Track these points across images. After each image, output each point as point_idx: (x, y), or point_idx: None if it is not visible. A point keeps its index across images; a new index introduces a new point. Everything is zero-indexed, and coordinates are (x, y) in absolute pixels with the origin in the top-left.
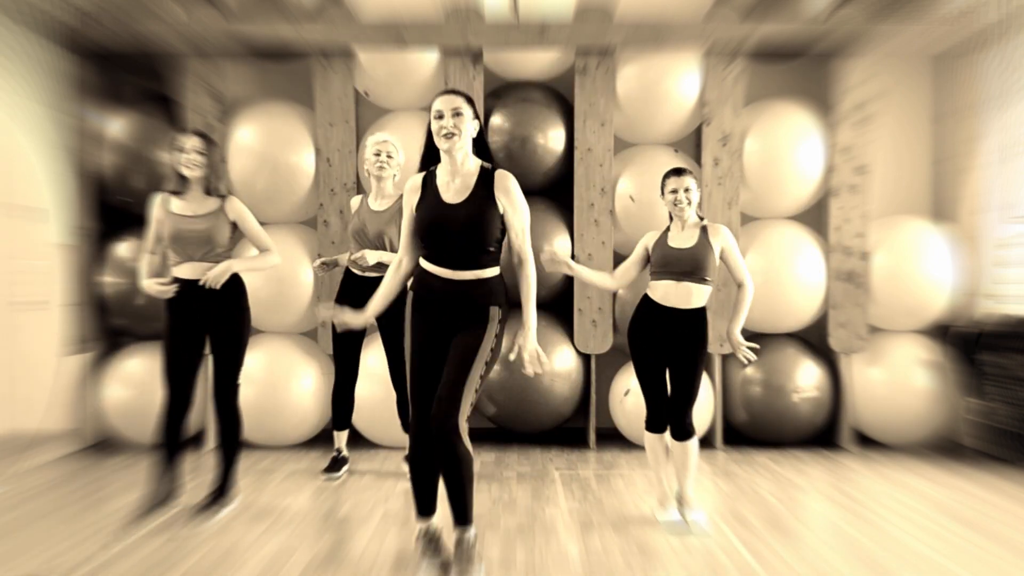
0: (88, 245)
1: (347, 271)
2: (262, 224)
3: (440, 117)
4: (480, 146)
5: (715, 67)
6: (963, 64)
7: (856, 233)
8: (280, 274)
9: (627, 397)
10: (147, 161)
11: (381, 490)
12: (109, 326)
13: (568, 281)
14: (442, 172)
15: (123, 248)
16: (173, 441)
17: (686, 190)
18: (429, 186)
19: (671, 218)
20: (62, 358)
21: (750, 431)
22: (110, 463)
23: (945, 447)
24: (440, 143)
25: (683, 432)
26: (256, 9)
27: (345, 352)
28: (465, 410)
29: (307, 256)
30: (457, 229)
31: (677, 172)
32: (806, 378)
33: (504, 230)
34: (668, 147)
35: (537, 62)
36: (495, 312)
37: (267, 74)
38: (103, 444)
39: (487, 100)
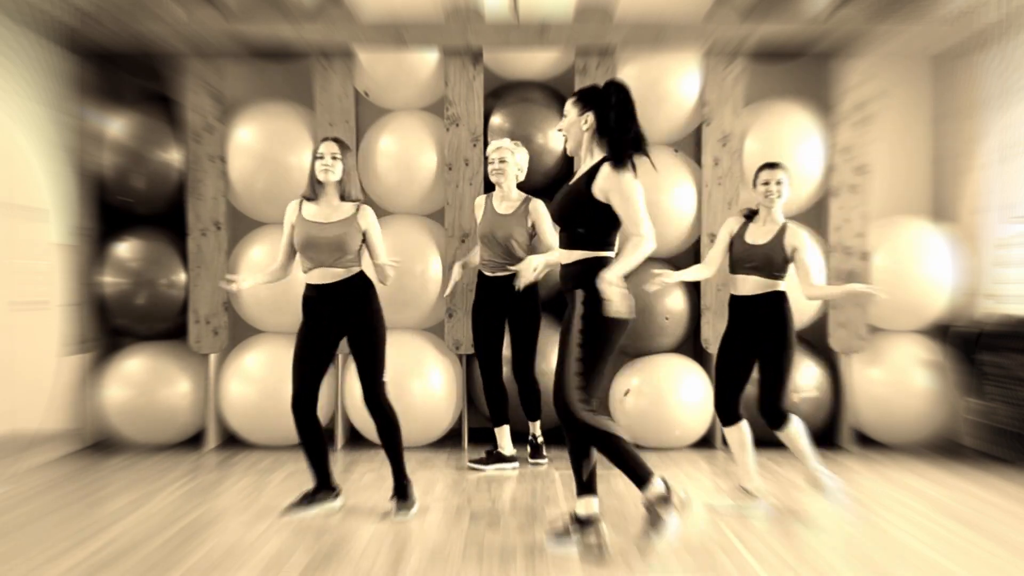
0: (88, 245)
1: (479, 273)
2: (262, 224)
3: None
4: None
5: (715, 67)
6: (963, 64)
7: (856, 233)
8: None
9: (627, 397)
10: (147, 161)
11: (381, 490)
12: (109, 326)
13: None
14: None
15: (123, 248)
16: (312, 436)
17: (778, 183)
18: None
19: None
20: (62, 358)
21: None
22: (110, 463)
23: (945, 447)
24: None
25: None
26: (256, 9)
27: (489, 349)
28: (573, 394)
29: None
30: None
31: (771, 165)
32: (806, 378)
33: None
34: (668, 147)
35: (537, 62)
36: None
37: (267, 74)
38: (103, 444)
39: (487, 100)
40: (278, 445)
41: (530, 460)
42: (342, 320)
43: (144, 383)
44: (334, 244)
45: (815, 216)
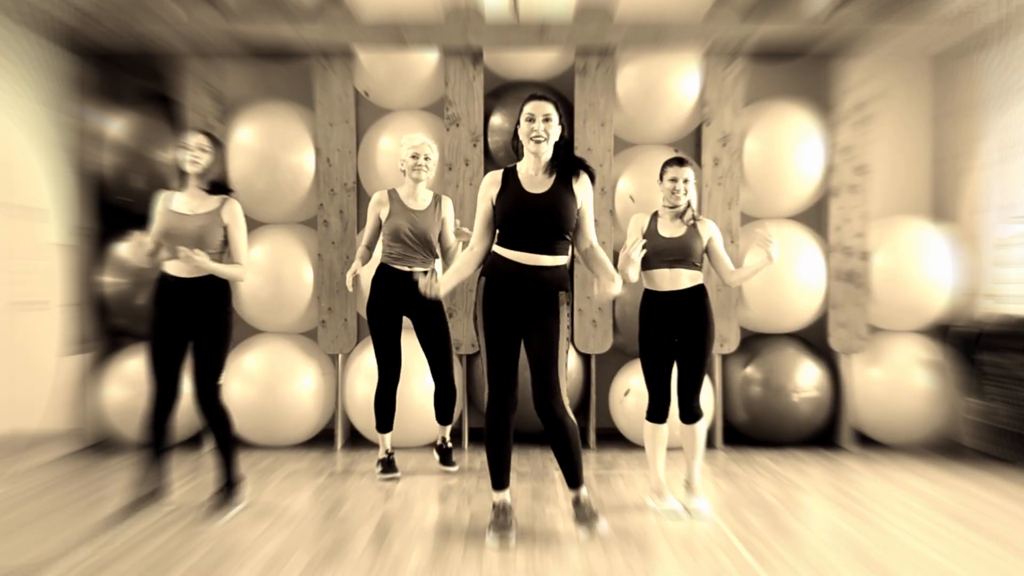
0: (88, 245)
1: (383, 265)
2: (262, 224)
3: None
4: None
5: (715, 67)
6: (963, 64)
7: (856, 233)
8: (280, 274)
9: (627, 397)
10: (147, 161)
11: (381, 490)
12: (109, 326)
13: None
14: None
15: (123, 248)
16: (160, 438)
17: (685, 180)
18: (510, 179)
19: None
20: (62, 358)
21: (750, 431)
22: (110, 463)
23: (945, 447)
24: (529, 145)
25: (692, 415)
26: (256, 9)
27: (389, 353)
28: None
29: (307, 256)
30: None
31: (679, 162)
32: (806, 378)
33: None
34: (668, 147)
35: (537, 62)
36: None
37: (267, 74)
38: (103, 444)
39: (487, 100)
40: (278, 445)
41: (441, 466)
42: (191, 314)
43: (144, 383)
44: (193, 236)
45: (815, 216)
